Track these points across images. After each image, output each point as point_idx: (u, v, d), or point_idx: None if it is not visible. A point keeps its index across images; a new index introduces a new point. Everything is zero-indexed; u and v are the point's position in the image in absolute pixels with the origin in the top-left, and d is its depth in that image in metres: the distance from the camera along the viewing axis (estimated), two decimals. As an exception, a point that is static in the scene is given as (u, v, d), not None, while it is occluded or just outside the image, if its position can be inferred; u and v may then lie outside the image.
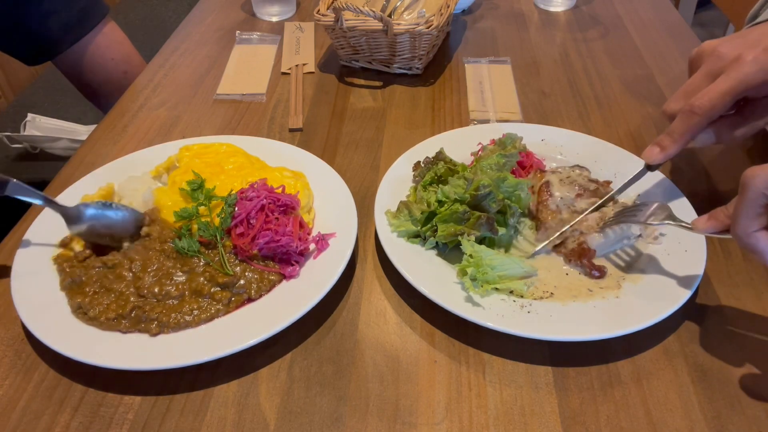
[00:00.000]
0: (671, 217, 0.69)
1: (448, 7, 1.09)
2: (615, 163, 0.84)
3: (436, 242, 0.74)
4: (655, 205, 0.71)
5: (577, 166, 0.84)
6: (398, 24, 1.03)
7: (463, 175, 0.77)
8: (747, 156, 0.94)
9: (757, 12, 0.89)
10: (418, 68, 1.13)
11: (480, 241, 0.73)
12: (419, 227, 0.75)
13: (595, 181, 0.81)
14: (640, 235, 0.76)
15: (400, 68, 1.13)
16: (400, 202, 0.78)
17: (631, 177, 0.79)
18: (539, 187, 0.80)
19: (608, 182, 0.82)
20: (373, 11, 1.00)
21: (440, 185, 0.77)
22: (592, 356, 0.66)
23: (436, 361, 0.66)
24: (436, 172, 0.80)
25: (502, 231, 0.74)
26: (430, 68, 1.16)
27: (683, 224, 0.67)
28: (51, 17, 1.10)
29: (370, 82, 1.13)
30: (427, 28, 1.03)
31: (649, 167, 0.78)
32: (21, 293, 0.69)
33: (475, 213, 0.72)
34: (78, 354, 0.63)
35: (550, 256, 0.76)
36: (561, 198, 0.78)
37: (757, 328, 0.69)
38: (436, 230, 0.73)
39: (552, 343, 0.67)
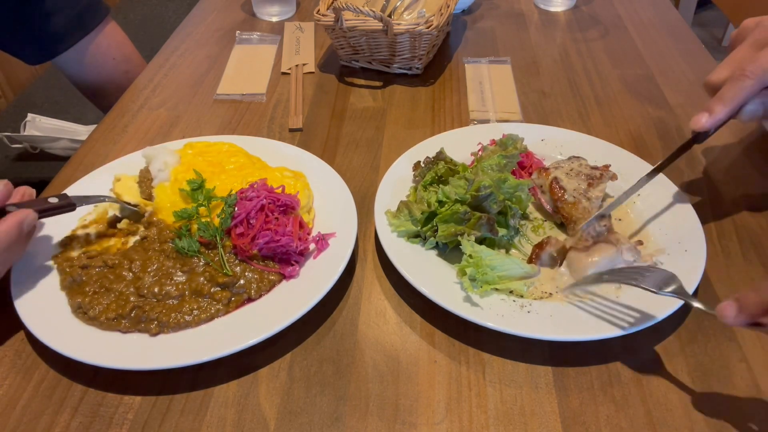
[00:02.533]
0: (683, 292, 0.62)
1: (448, 7, 1.09)
2: (615, 163, 0.84)
3: (436, 242, 0.74)
4: (662, 273, 0.65)
5: (574, 157, 0.84)
6: (398, 24, 1.03)
7: (464, 175, 0.77)
8: (746, 156, 0.94)
9: None
10: (418, 68, 1.13)
11: (480, 241, 0.73)
12: (419, 227, 0.75)
13: (596, 167, 0.82)
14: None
15: (400, 68, 1.13)
16: (400, 202, 0.78)
17: (677, 148, 0.75)
18: (549, 184, 0.80)
19: (607, 166, 0.83)
20: (373, 11, 1.00)
21: (441, 185, 0.77)
22: (592, 356, 0.66)
23: (436, 361, 0.66)
24: (436, 172, 0.80)
25: (502, 232, 0.74)
26: (430, 68, 1.16)
27: (704, 309, 0.59)
28: (53, 17, 1.10)
29: (370, 82, 1.13)
30: (427, 28, 1.03)
31: (695, 139, 0.73)
32: (21, 293, 0.69)
33: (475, 213, 0.72)
34: (78, 354, 0.63)
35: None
36: (574, 189, 0.78)
37: (757, 328, 0.69)
38: (436, 230, 0.73)
39: (552, 343, 0.67)
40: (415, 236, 0.76)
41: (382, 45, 1.09)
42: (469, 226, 0.72)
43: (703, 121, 0.70)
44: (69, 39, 1.14)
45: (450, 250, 0.75)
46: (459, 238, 0.71)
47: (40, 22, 1.10)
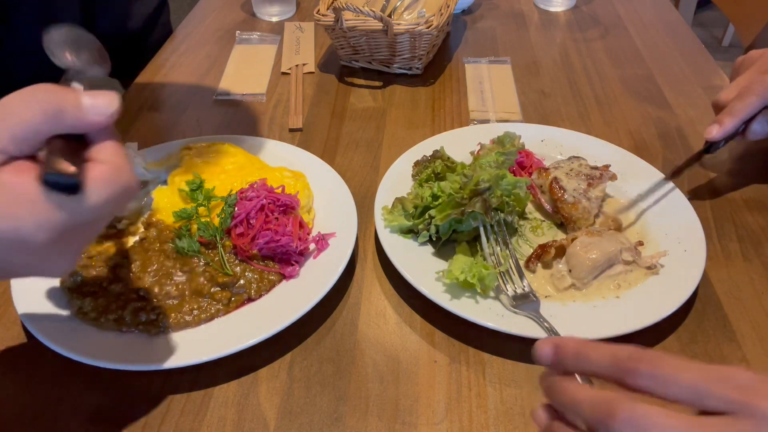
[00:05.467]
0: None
1: (448, 7, 1.09)
2: (615, 163, 0.84)
3: (429, 236, 0.74)
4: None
5: (574, 157, 0.84)
6: (398, 24, 1.03)
7: (462, 171, 0.76)
8: (746, 156, 0.94)
9: None
10: (418, 68, 1.13)
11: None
12: (412, 221, 0.74)
13: (596, 167, 0.82)
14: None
15: (400, 68, 1.13)
16: (395, 198, 0.78)
17: (689, 158, 0.82)
18: (549, 184, 0.80)
19: (607, 166, 0.83)
20: (373, 11, 1.00)
21: (437, 182, 0.76)
22: (592, 356, 0.66)
23: (436, 361, 0.66)
24: (433, 169, 0.79)
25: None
26: (430, 68, 1.16)
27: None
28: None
29: (370, 82, 1.13)
30: (427, 28, 1.03)
31: (707, 150, 0.80)
32: (21, 293, 0.69)
33: (472, 199, 0.72)
34: (78, 354, 0.63)
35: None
36: (574, 189, 0.78)
37: (757, 329, 0.69)
38: (429, 223, 0.73)
39: (552, 343, 0.67)
40: (408, 231, 0.75)
41: (382, 45, 1.09)
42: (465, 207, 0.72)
43: (714, 132, 0.77)
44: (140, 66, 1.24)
45: (449, 250, 0.74)
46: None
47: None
